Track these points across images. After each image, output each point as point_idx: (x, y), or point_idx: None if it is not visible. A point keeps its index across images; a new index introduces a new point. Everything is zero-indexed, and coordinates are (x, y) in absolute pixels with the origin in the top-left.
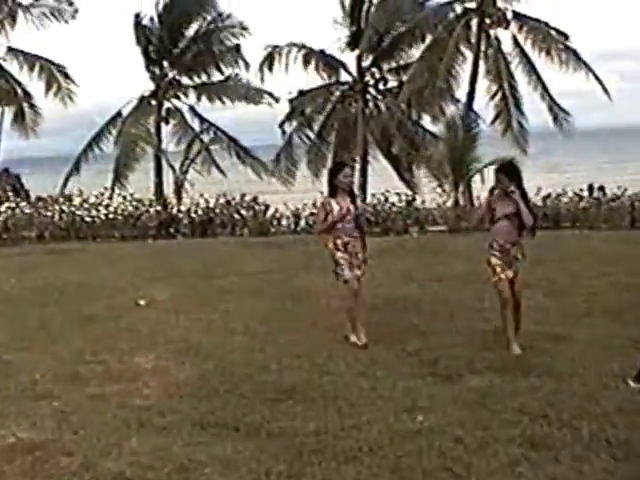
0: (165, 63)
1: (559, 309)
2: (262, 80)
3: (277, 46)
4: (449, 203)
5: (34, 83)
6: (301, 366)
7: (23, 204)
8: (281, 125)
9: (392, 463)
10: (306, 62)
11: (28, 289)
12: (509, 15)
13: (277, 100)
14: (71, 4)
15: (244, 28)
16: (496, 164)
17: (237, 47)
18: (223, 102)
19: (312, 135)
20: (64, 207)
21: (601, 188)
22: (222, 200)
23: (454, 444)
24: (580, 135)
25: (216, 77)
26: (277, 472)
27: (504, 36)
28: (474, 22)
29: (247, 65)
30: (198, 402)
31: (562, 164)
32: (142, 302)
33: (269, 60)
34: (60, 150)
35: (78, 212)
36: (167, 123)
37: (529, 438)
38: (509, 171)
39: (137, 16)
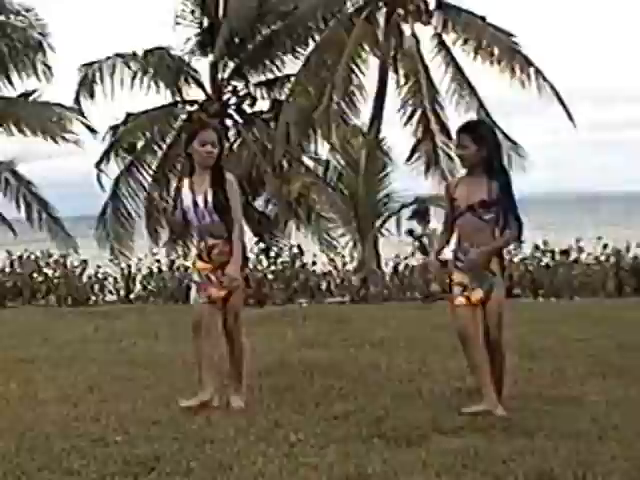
0: None
1: (552, 371)
2: (82, 114)
3: (95, 62)
4: (350, 265)
5: None
6: (163, 435)
7: None
8: (98, 164)
9: None
10: (132, 73)
11: None
12: (431, 5)
13: (94, 132)
14: None
15: (43, 34)
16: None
17: (39, 45)
18: (19, 131)
19: (147, 179)
20: None
21: (565, 251)
22: (14, 256)
23: None
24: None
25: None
26: None
27: (424, 34)
28: (381, 14)
29: (49, 73)
30: None
31: None
32: None
33: (88, 84)
34: None
35: None
36: None
37: None
38: (476, 131)
39: None
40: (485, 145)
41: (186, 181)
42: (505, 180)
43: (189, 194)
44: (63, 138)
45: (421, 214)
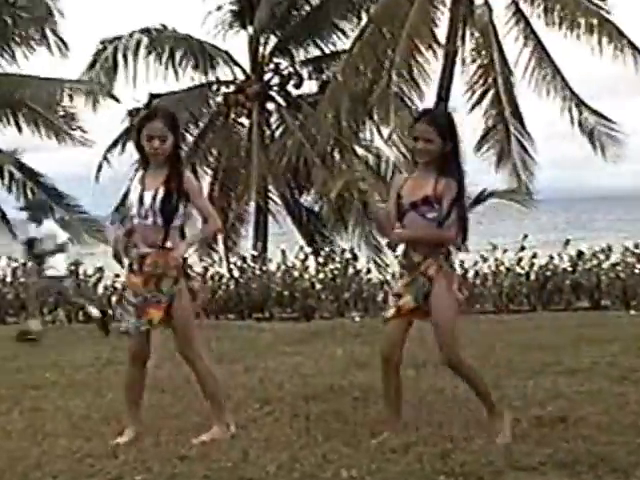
0: None
1: None
2: (110, 93)
3: (117, 38)
4: None
5: None
6: (192, 473)
7: None
8: (107, 152)
9: None
10: (155, 50)
11: None
12: None
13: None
14: None
15: None
16: None
17: (48, 14)
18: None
19: None
20: None
21: None
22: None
23: None
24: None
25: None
26: None
27: (498, 3)
28: None
29: (64, 46)
30: None
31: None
32: None
33: (110, 60)
34: None
35: None
36: None
37: None
38: (443, 123)
39: None
40: (451, 140)
41: (139, 174)
42: (460, 177)
43: (138, 187)
44: (68, 135)
45: (40, 207)
